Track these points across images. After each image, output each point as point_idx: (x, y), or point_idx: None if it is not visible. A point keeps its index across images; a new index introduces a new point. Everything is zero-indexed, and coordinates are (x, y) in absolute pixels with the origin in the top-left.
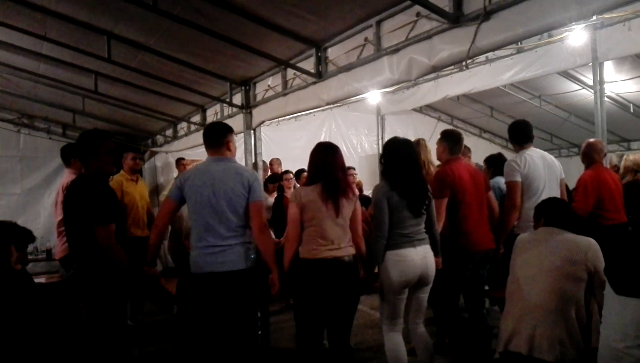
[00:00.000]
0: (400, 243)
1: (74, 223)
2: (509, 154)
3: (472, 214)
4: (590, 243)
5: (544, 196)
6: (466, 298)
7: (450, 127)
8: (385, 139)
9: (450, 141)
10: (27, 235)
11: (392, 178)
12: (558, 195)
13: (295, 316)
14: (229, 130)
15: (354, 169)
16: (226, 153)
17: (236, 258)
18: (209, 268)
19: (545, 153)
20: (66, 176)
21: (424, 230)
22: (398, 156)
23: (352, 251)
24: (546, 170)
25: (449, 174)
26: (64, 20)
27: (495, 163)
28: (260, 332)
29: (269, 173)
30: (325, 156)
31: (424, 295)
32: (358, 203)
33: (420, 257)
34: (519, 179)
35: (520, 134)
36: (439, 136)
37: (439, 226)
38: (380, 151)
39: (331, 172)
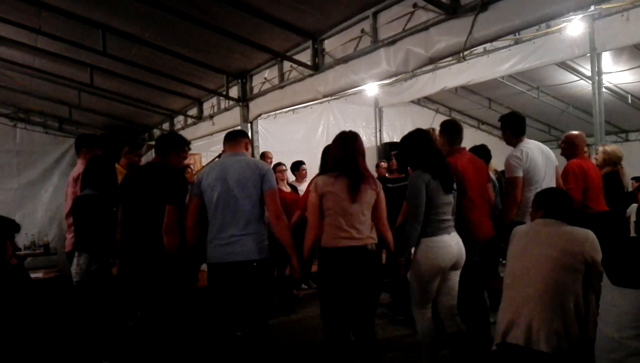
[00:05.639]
0: (437, 230)
1: (142, 204)
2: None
3: (475, 204)
4: (587, 235)
5: (544, 186)
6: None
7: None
8: (383, 131)
9: (449, 133)
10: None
11: (423, 162)
12: (555, 185)
13: (321, 307)
14: (247, 135)
15: (284, 165)
16: (242, 150)
17: (251, 248)
18: (226, 258)
19: (540, 144)
20: (78, 166)
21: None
22: (421, 142)
23: (373, 240)
24: (544, 161)
25: (452, 165)
26: (58, 13)
27: (478, 154)
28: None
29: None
30: (345, 144)
31: (456, 278)
32: (382, 193)
33: (455, 243)
34: (520, 174)
35: (520, 126)
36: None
37: None
38: (378, 145)
39: (352, 160)
